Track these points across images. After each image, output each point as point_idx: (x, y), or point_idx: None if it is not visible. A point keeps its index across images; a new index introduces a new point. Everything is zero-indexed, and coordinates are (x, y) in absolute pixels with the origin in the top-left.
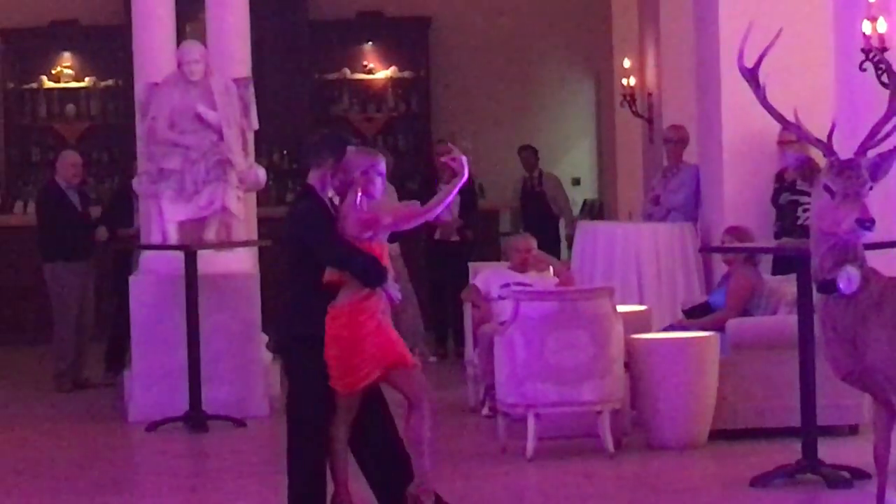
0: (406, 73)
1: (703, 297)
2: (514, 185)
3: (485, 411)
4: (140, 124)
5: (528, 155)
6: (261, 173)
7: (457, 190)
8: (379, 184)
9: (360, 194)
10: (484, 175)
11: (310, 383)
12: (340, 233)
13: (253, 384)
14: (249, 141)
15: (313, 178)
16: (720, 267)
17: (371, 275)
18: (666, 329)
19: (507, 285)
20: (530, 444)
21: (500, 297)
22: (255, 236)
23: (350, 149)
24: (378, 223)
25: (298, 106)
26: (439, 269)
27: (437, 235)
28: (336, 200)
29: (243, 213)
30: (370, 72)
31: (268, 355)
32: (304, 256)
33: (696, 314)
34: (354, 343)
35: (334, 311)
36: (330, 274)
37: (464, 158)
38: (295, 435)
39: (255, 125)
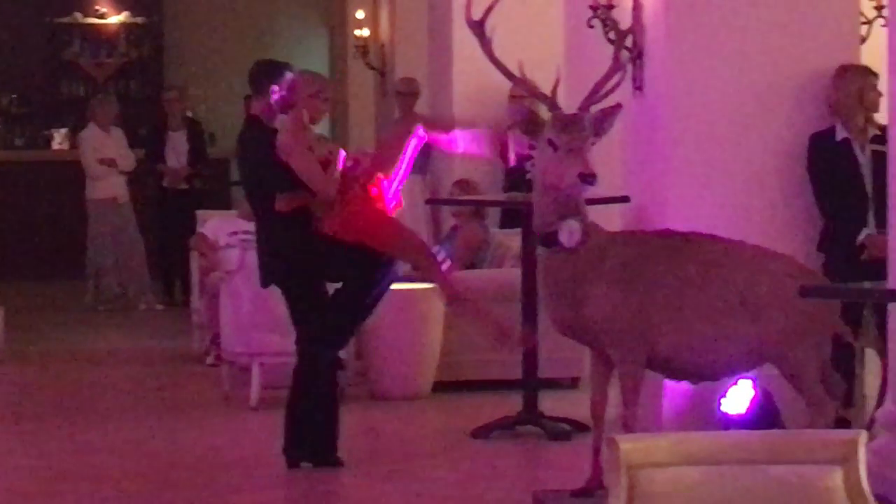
0: (139, 19)
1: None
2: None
3: (210, 360)
4: None
5: None
6: None
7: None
8: (323, 109)
9: (303, 114)
10: (215, 123)
11: (317, 314)
12: (279, 148)
13: None
14: None
15: (256, 108)
16: (449, 219)
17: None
18: None
19: (234, 234)
20: (254, 393)
21: (228, 246)
22: None
23: (298, 73)
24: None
25: (28, 49)
26: (167, 217)
27: (165, 183)
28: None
29: None
30: (102, 16)
31: None
32: (266, 194)
33: None
34: (356, 204)
35: (326, 222)
36: (282, 203)
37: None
38: (307, 373)
39: None
